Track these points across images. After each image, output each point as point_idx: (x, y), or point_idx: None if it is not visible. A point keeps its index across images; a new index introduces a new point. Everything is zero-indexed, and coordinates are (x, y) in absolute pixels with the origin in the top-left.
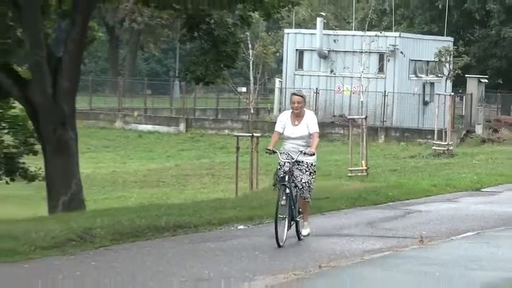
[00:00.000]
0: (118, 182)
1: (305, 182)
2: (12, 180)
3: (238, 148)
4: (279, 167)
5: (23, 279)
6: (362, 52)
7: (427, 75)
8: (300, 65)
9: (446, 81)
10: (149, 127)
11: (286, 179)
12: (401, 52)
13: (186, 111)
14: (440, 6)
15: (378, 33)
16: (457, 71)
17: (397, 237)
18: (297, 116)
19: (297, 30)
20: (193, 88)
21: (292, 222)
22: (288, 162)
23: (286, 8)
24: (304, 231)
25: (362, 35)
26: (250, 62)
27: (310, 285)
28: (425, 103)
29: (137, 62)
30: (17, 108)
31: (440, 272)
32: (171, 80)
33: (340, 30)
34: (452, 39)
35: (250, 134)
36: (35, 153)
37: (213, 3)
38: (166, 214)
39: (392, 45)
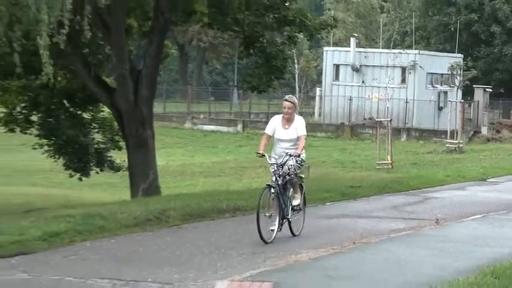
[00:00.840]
0: (187, 173)
1: (291, 165)
2: (102, 170)
3: None
4: (271, 173)
5: (111, 251)
6: (388, 66)
7: (441, 85)
8: (336, 76)
9: (457, 90)
10: (212, 127)
11: (274, 179)
12: (420, 66)
13: (242, 114)
14: (452, 28)
15: (401, 50)
16: (466, 82)
17: (417, 219)
18: (288, 120)
19: (334, 48)
20: (248, 95)
21: (284, 220)
22: (275, 164)
23: (326, 30)
24: (295, 202)
25: (388, 52)
26: (296, 74)
27: (346, 257)
28: (440, 108)
29: (202, 74)
30: (105, 111)
31: (453, 248)
32: (231, 88)
33: (369, 48)
34: (462, 56)
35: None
36: (120, 148)
37: (265, 26)
38: (227, 199)
39: (413, 61)
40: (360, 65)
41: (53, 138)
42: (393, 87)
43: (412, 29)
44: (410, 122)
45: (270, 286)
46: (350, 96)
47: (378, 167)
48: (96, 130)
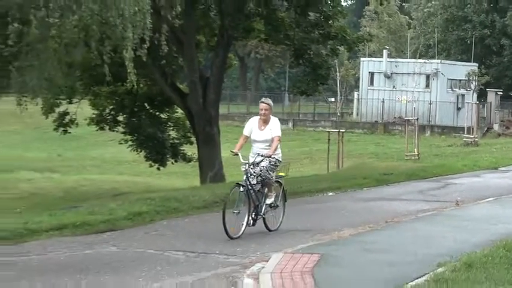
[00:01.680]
0: None
1: (263, 166)
2: (176, 161)
3: (329, 140)
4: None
5: (184, 229)
6: (414, 74)
7: (459, 89)
8: (371, 82)
9: (473, 93)
10: None
11: (244, 178)
12: (441, 73)
13: (292, 114)
14: (468, 42)
15: (426, 60)
16: (480, 87)
17: (440, 201)
18: (264, 121)
19: (369, 59)
20: (297, 98)
21: (259, 217)
22: (247, 163)
23: (362, 44)
24: (268, 201)
25: (414, 62)
26: (337, 81)
27: (381, 234)
28: (458, 109)
29: (259, 81)
30: (179, 112)
31: (471, 226)
32: (283, 93)
33: (399, 59)
34: (477, 64)
35: (337, 130)
36: (191, 143)
37: (312, 41)
38: (293, 182)
39: (436, 69)
40: (391, 73)
41: (136, 135)
42: (419, 91)
43: (435, 42)
44: (433, 120)
45: (317, 257)
46: (383, 99)
47: (406, 157)
48: (171, 128)
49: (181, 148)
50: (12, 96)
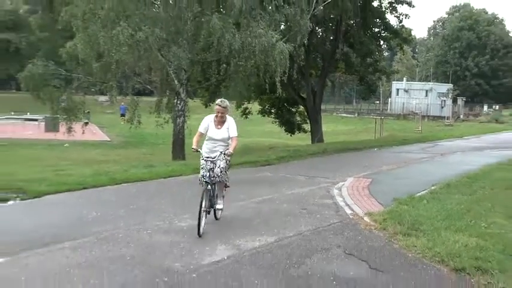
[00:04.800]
0: (334, 133)
1: (222, 167)
2: (299, 132)
3: (375, 122)
4: (202, 165)
5: (303, 165)
6: (420, 89)
7: (443, 97)
8: (397, 93)
9: (450, 99)
10: (344, 115)
11: (208, 175)
12: (434, 89)
13: (357, 109)
14: (448, 73)
15: (425, 83)
16: (454, 96)
17: (432, 153)
18: (220, 121)
19: (397, 82)
20: (360, 100)
21: (211, 209)
22: (210, 161)
23: (393, 74)
24: (219, 206)
25: (419, 83)
26: (380, 92)
27: (402, 169)
28: (442, 107)
29: (341, 93)
30: (301, 108)
31: (449, 166)
32: (352, 98)
33: (412, 82)
34: (452, 85)
35: (380, 117)
36: (307, 123)
37: (368, 72)
38: (357, 143)
39: (431, 87)
40: (408, 89)
41: (280, 119)
42: (422, 98)
43: (430, 74)
44: (429, 112)
45: (370, 180)
46: (403, 102)
47: (415, 132)
48: (297, 115)
49: (302, 125)
50: None
